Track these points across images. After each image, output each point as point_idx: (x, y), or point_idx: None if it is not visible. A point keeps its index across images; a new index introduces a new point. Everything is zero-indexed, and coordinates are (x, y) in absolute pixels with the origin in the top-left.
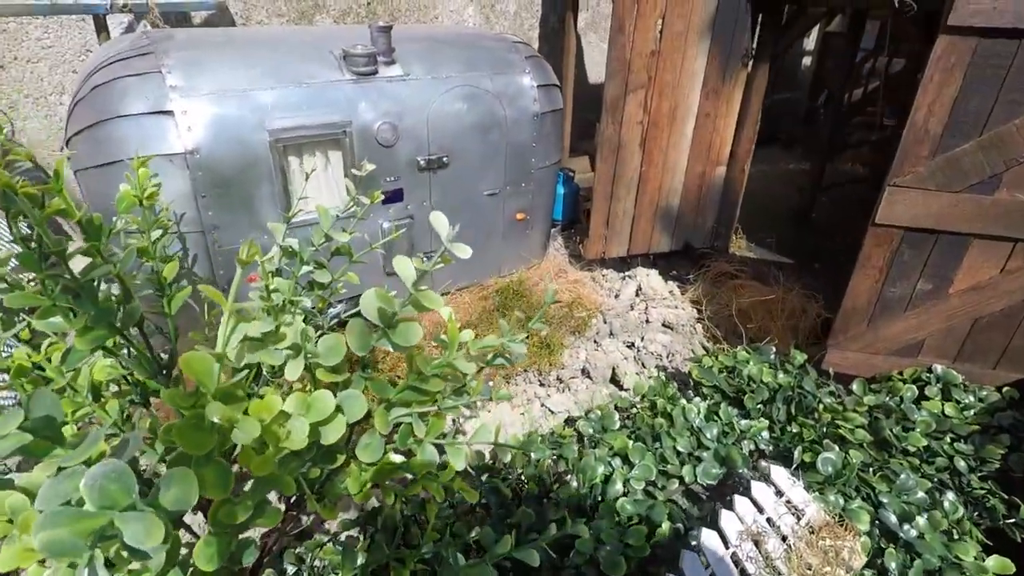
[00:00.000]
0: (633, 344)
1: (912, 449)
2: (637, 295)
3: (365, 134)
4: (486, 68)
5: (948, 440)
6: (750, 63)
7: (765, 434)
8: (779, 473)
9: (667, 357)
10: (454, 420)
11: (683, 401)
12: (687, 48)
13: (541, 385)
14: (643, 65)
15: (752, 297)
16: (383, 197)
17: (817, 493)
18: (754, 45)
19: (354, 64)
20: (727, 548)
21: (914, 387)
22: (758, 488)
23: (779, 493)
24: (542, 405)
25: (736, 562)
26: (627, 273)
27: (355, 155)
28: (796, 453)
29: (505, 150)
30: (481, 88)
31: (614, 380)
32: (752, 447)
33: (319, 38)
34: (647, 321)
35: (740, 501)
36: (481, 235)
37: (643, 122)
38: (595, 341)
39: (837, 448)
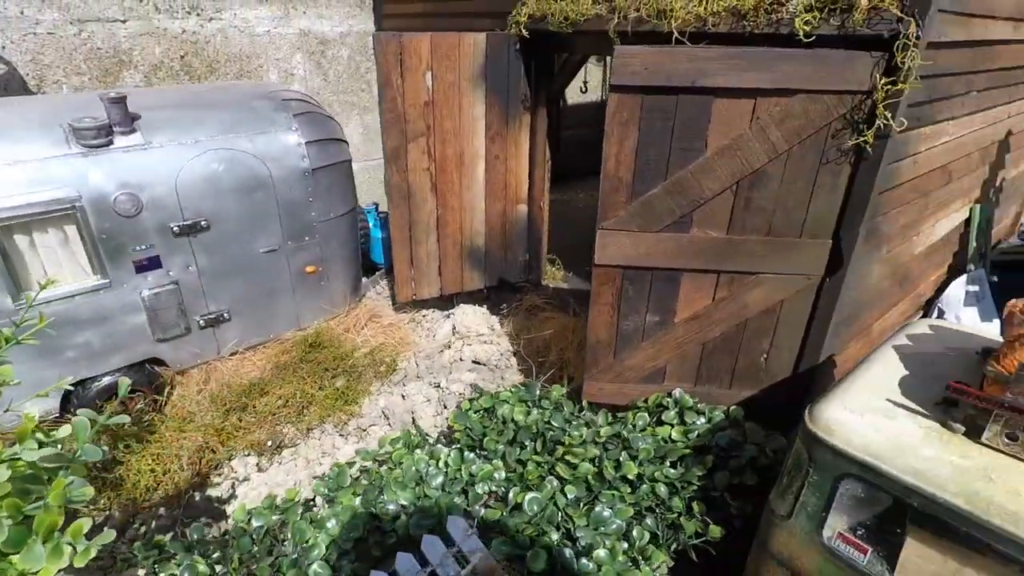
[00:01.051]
0: (439, 384)
1: (631, 477)
2: (454, 333)
3: (101, 206)
4: (245, 129)
5: (668, 465)
6: (530, 107)
7: (501, 475)
8: (455, 524)
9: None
10: (233, 484)
11: (418, 451)
12: (463, 97)
13: (341, 436)
14: (419, 115)
15: (551, 329)
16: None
17: (508, 538)
18: (531, 91)
19: (83, 137)
20: None
21: (646, 415)
22: (427, 542)
23: (451, 544)
24: (335, 459)
25: None
26: (450, 311)
27: (93, 228)
28: (511, 495)
29: (277, 208)
30: (238, 150)
31: (416, 424)
32: (487, 490)
33: (52, 110)
34: (460, 359)
35: (402, 558)
36: (265, 292)
37: (430, 168)
38: (403, 384)
39: (554, 484)
